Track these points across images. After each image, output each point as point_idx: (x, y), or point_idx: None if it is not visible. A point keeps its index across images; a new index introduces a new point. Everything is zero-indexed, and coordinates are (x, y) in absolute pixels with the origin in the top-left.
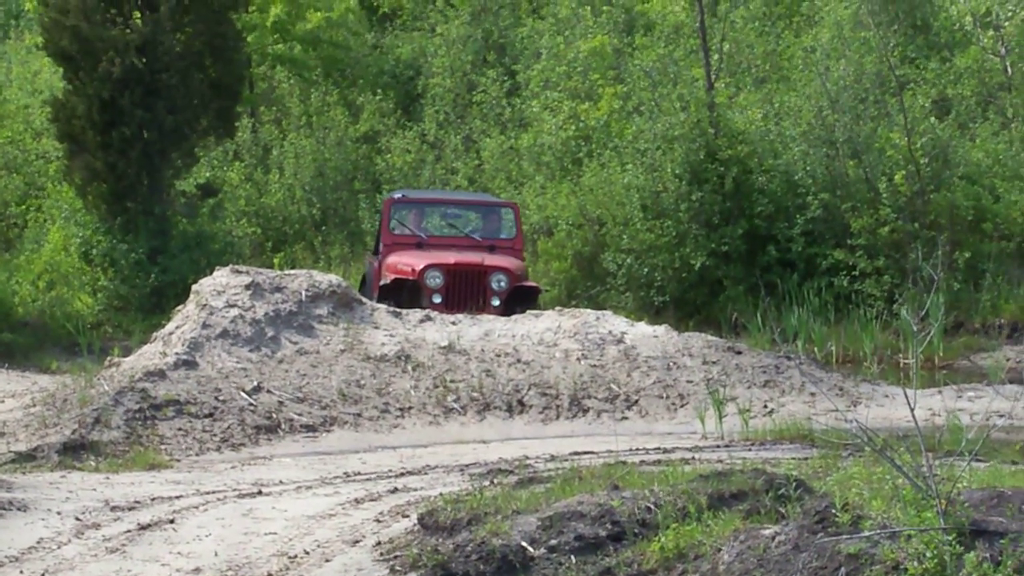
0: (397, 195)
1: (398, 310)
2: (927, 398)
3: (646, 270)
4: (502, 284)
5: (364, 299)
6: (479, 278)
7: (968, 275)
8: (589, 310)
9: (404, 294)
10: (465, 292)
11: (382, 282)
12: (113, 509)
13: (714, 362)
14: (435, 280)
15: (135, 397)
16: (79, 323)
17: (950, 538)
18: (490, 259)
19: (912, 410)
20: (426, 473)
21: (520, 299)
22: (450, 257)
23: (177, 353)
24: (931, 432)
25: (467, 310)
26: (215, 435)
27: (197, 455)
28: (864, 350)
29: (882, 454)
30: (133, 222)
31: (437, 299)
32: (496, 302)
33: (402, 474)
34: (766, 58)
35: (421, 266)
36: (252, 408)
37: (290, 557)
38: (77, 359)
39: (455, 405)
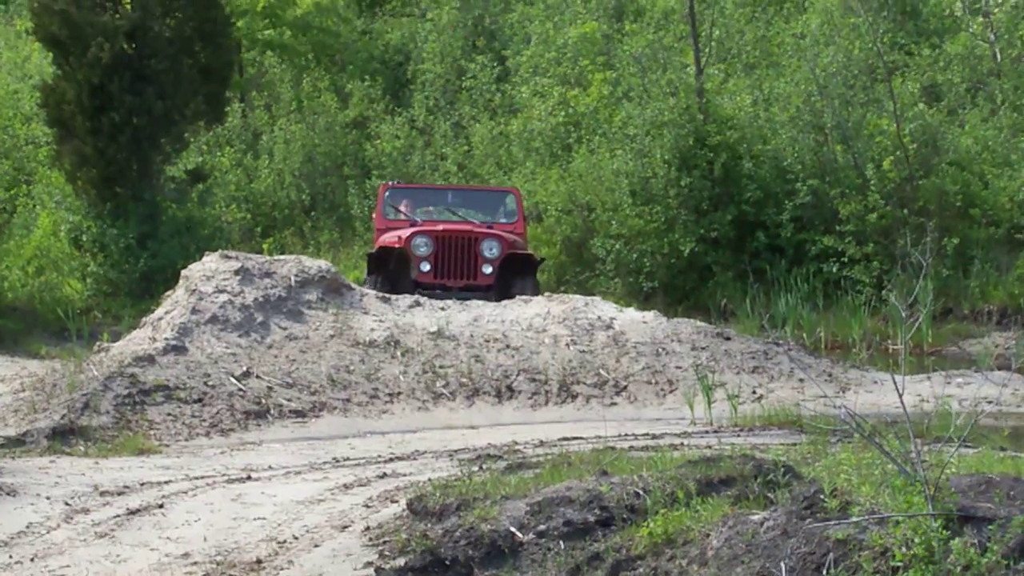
0: (392, 182)
1: (387, 296)
2: (916, 384)
3: (635, 256)
4: (494, 251)
5: (353, 285)
6: (469, 245)
7: (957, 261)
8: (578, 296)
9: (392, 263)
10: (455, 260)
11: (369, 251)
12: (102, 494)
13: (703, 348)
14: (422, 248)
15: (124, 382)
16: (68, 308)
17: (938, 524)
18: (481, 227)
19: (900, 396)
20: (415, 458)
21: (516, 269)
22: (439, 225)
23: (166, 338)
24: (920, 418)
25: (458, 279)
26: (204, 420)
27: (186, 440)
28: (853, 336)
29: (870, 440)
30: (123, 207)
31: (425, 267)
32: (488, 270)
33: (391, 459)
34: (756, 44)
35: (408, 233)
36: (241, 393)
37: (279, 542)
38: (66, 344)
39: (444, 391)
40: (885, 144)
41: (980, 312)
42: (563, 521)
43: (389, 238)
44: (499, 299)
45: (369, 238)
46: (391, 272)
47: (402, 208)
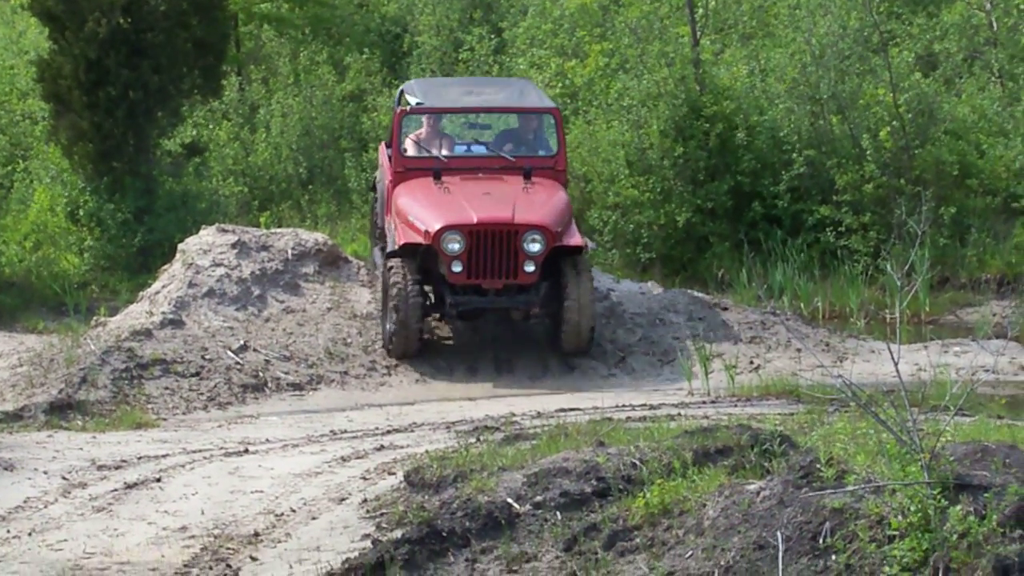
0: (413, 101)
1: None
2: (913, 353)
3: (631, 227)
4: (536, 247)
5: (351, 257)
6: (508, 240)
7: (954, 230)
8: None
9: (418, 261)
10: (491, 258)
11: (389, 249)
12: (100, 468)
13: (700, 319)
14: (454, 245)
15: (122, 356)
16: (66, 283)
17: (934, 492)
18: (522, 209)
19: (897, 365)
20: (412, 431)
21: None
22: (471, 214)
23: (163, 312)
24: (916, 387)
25: (495, 278)
26: (202, 394)
27: (184, 414)
28: (850, 306)
29: (867, 409)
30: (119, 182)
31: (457, 268)
32: (530, 268)
33: (388, 432)
34: (752, 14)
35: (436, 228)
36: (239, 367)
37: (276, 515)
38: (64, 319)
39: (442, 363)
40: (881, 114)
41: (977, 281)
42: (560, 492)
43: (415, 223)
44: (546, 295)
45: (367, 210)
46: (416, 270)
47: (424, 144)
